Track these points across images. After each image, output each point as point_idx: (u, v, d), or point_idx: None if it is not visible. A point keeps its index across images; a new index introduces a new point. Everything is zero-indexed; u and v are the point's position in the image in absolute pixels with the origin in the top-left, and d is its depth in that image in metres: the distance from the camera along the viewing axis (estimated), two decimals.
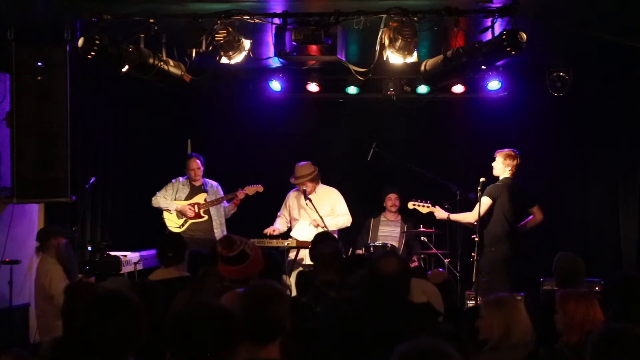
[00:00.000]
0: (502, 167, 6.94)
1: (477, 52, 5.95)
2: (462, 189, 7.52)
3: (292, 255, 7.53)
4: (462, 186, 7.55)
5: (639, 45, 6.29)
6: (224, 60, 6.06)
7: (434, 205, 7.29)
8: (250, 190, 7.87)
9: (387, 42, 5.80)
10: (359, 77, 6.75)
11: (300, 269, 7.13)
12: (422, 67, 6.44)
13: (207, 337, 2.55)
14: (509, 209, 6.84)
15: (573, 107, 8.29)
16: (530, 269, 7.47)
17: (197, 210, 7.82)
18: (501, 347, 3.59)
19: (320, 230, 7.18)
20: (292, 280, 6.27)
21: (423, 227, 7.76)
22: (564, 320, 3.87)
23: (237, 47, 6.00)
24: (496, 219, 6.83)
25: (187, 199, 7.88)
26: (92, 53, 6.01)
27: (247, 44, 6.05)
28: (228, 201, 7.97)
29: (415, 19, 5.68)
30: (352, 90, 8.35)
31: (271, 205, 8.08)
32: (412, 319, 3.59)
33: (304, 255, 7.36)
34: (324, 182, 7.88)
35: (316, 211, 7.44)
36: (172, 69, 6.49)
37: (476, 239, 6.74)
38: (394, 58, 5.92)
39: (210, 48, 5.94)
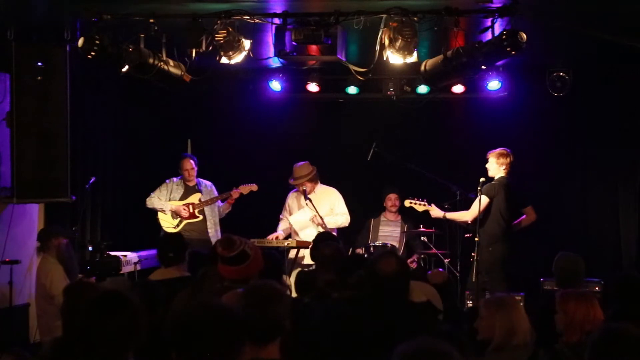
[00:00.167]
0: (496, 166, 6.95)
1: (477, 52, 5.96)
2: (462, 189, 7.54)
3: (292, 255, 7.54)
4: (462, 186, 7.56)
5: (639, 45, 6.29)
6: (224, 60, 6.06)
7: (430, 204, 7.30)
8: (245, 189, 7.85)
9: (387, 42, 5.80)
10: (359, 77, 6.75)
11: (300, 269, 7.13)
12: (422, 67, 6.44)
13: (210, 337, 2.54)
14: (506, 208, 6.86)
15: (573, 107, 8.28)
16: (530, 269, 7.48)
17: (191, 211, 7.80)
18: (505, 348, 3.58)
19: (320, 230, 7.20)
20: (292, 280, 6.26)
21: (423, 227, 7.75)
22: (564, 321, 3.87)
23: (237, 47, 6.00)
24: (493, 218, 6.85)
25: (181, 199, 7.86)
26: (92, 53, 6.02)
27: (247, 44, 6.05)
28: (222, 201, 7.96)
29: (415, 19, 5.69)
30: (352, 90, 8.35)
31: (271, 205, 8.07)
32: (412, 319, 3.59)
33: (304, 255, 7.36)
34: (323, 182, 7.87)
35: (316, 211, 7.44)
36: (172, 69, 6.49)
37: (476, 239, 6.74)
38: (394, 58, 5.92)
39: (210, 48, 5.95)
